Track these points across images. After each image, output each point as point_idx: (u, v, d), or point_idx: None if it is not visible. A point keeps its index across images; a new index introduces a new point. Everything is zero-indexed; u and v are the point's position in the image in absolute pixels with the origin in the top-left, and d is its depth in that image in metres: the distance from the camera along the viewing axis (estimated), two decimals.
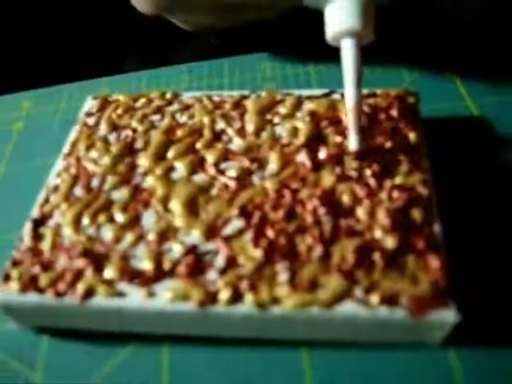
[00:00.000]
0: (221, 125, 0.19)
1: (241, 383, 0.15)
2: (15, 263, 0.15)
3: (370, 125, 0.18)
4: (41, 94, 0.25)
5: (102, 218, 0.16)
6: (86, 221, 0.16)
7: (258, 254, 0.15)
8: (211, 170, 0.17)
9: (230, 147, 0.18)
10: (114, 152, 0.18)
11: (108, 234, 0.16)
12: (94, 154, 0.18)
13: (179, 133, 0.19)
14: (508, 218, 0.17)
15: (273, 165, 0.17)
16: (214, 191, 0.17)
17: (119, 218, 0.16)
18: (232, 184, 0.17)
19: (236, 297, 0.14)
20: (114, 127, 0.19)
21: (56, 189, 0.17)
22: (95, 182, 0.17)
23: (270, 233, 0.15)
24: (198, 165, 0.18)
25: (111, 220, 0.16)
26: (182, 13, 0.23)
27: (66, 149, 0.19)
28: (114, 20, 0.30)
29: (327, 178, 0.16)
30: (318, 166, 0.17)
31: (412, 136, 0.17)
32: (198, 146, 0.18)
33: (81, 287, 0.15)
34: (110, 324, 0.15)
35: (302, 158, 0.17)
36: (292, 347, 0.15)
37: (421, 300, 0.14)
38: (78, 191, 0.17)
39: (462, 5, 0.26)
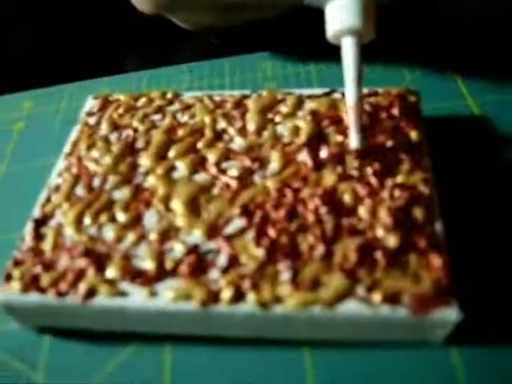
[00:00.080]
0: (222, 124, 0.19)
1: (243, 383, 0.15)
2: (17, 263, 0.15)
3: (371, 123, 0.18)
4: (41, 94, 0.25)
5: (103, 217, 0.16)
6: (87, 220, 0.16)
7: (259, 253, 0.15)
8: (212, 170, 0.17)
9: (231, 146, 0.18)
10: (115, 151, 0.18)
11: (110, 233, 0.16)
12: (95, 153, 0.18)
13: (180, 132, 0.19)
14: (509, 216, 0.17)
15: (274, 164, 0.17)
16: (216, 190, 0.17)
17: (121, 217, 0.16)
18: (233, 183, 0.17)
19: (238, 296, 0.14)
20: (115, 127, 0.19)
21: (57, 188, 0.17)
22: (96, 182, 0.17)
23: (272, 232, 0.15)
24: (200, 164, 0.18)
25: (113, 220, 0.16)
26: (182, 12, 0.23)
27: (67, 148, 0.19)
28: (114, 19, 0.30)
29: (329, 177, 0.16)
30: (319, 165, 0.17)
31: (413, 135, 0.17)
32: (199, 145, 0.18)
33: (82, 287, 0.15)
34: (111, 324, 0.15)
35: (304, 157, 0.17)
36: (294, 346, 0.15)
37: (423, 298, 0.14)
38: (80, 191, 0.17)
39: (463, 3, 0.26)
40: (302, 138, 0.18)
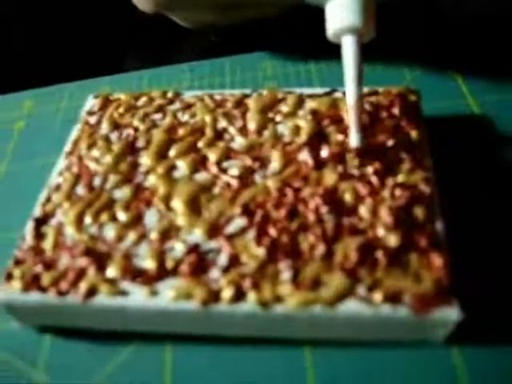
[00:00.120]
0: (222, 123, 0.19)
1: (243, 382, 0.15)
2: (17, 262, 0.15)
3: (371, 123, 0.18)
4: (42, 93, 0.25)
5: (104, 216, 0.16)
6: (88, 220, 0.16)
7: (260, 252, 0.15)
8: (213, 169, 0.17)
9: (231, 146, 0.18)
10: (116, 151, 0.18)
11: (110, 232, 0.16)
12: (95, 152, 0.18)
13: (181, 131, 0.19)
14: (510, 215, 0.17)
15: (275, 163, 0.17)
16: (216, 190, 0.17)
17: (121, 216, 0.16)
18: (234, 183, 0.17)
19: (239, 295, 0.14)
20: (116, 126, 0.19)
21: (58, 188, 0.17)
22: (97, 181, 0.17)
23: (273, 231, 0.15)
24: (200, 163, 0.17)
25: (113, 219, 0.16)
26: (182, 10, 0.23)
27: (67, 147, 0.19)
28: (115, 18, 0.30)
29: (329, 177, 0.16)
30: (320, 164, 0.17)
31: (414, 134, 0.17)
32: (200, 144, 0.18)
33: (83, 286, 0.15)
34: (112, 323, 0.15)
35: (304, 156, 0.17)
36: (294, 346, 0.15)
37: (424, 298, 0.14)
38: (80, 190, 0.17)
39: (463, 2, 0.26)
40: (303, 137, 0.18)
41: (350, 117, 0.17)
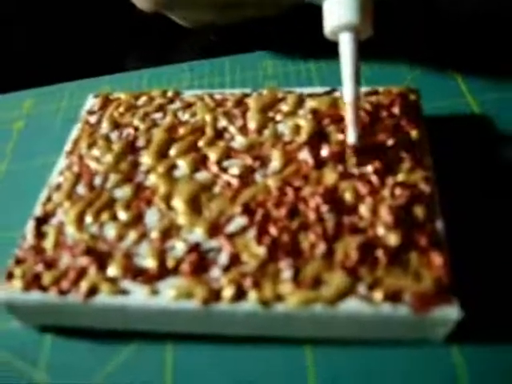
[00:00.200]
0: (223, 123, 0.19)
1: (244, 381, 0.15)
2: (18, 261, 0.15)
3: (371, 122, 0.18)
4: (42, 93, 0.25)
5: (104, 216, 0.16)
6: (88, 219, 0.16)
7: (261, 251, 0.15)
8: (214, 168, 0.17)
9: (232, 145, 0.18)
10: (116, 150, 0.18)
11: (111, 231, 0.16)
12: (96, 152, 0.18)
13: (181, 131, 0.19)
14: (509, 214, 0.17)
15: (275, 162, 0.17)
16: (217, 189, 0.17)
17: (122, 215, 0.16)
18: (234, 182, 0.17)
19: (239, 294, 0.14)
20: (116, 125, 0.19)
21: (58, 187, 0.17)
22: (98, 180, 0.17)
23: (273, 230, 0.15)
24: (201, 163, 0.18)
25: (114, 218, 0.16)
26: (182, 9, 0.23)
27: (67, 147, 0.19)
28: (114, 18, 0.30)
29: (329, 176, 0.16)
30: (320, 163, 0.17)
31: (414, 133, 0.17)
32: (200, 143, 0.18)
33: (84, 285, 0.15)
34: (113, 322, 0.15)
35: (305, 155, 0.17)
36: (295, 345, 0.15)
37: (424, 297, 0.14)
38: (81, 189, 0.17)
39: (460, 0, 0.26)
40: (303, 136, 0.18)
41: (347, 114, 0.17)
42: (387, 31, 0.25)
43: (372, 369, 0.14)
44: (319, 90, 0.20)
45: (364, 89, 0.19)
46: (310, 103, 0.19)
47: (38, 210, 0.17)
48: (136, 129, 0.19)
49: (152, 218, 0.16)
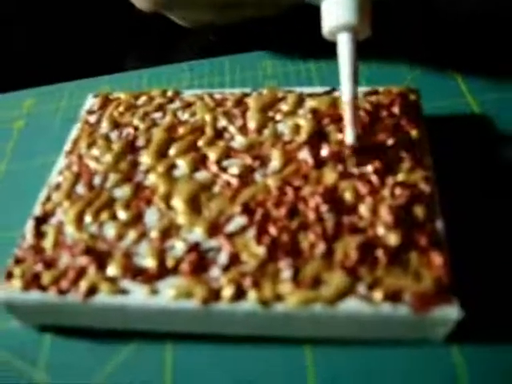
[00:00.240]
0: (222, 122, 0.19)
1: (244, 381, 0.15)
2: (17, 261, 0.15)
3: (371, 122, 0.18)
4: (41, 93, 0.25)
5: (104, 215, 0.16)
6: (88, 218, 0.16)
7: (260, 250, 0.15)
8: (213, 168, 0.17)
9: (231, 145, 0.18)
10: (116, 150, 0.18)
11: (110, 231, 0.16)
12: (95, 151, 0.18)
13: (181, 130, 0.19)
14: (509, 214, 0.17)
15: (275, 162, 0.17)
16: (217, 188, 0.17)
17: (122, 215, 0.16)
18: (234, 181, 0.17)
19: (239, 294, 0.14)
20: (116, 125, 0.19)
21: (58, 187, 0.17)
22: (97, 180, 0.17)
23: (273, 230, 0.15)
24: (200, 162, 0.18)
25: (114, 217, 0.16)
26: (181, 9, 0.23)
27: (67, 147, 0.19)
28: (114, 18, 0.30)
29: (329, 176, 0.16)
30: (320, 163, 0.17)
31: (414, 133, 0.17)
32: (200, 143, 0.18)
33: (83, 285, 0.15)
34: (112, 322, 0.15)
35: (304, 155, 0.17)
36: (295, 344, 0.15)
37: (424, 296, 0.14)
38: (80, 189, 0.17)
39: (458, 0, 0.26)
40: (303, 136, 0.18)
41: (346, 114, 0.17)
42: (387, 31, 0.25)
43: (372, 369, 0.14)
44: (319, 89, 0.19)
45: (364, 89, 0.19)
46: (310, 103, 0.19)
47: (37, 210, 0.17)
48: (136, 128, 0.19)
49: (151, 217, 0.16)
